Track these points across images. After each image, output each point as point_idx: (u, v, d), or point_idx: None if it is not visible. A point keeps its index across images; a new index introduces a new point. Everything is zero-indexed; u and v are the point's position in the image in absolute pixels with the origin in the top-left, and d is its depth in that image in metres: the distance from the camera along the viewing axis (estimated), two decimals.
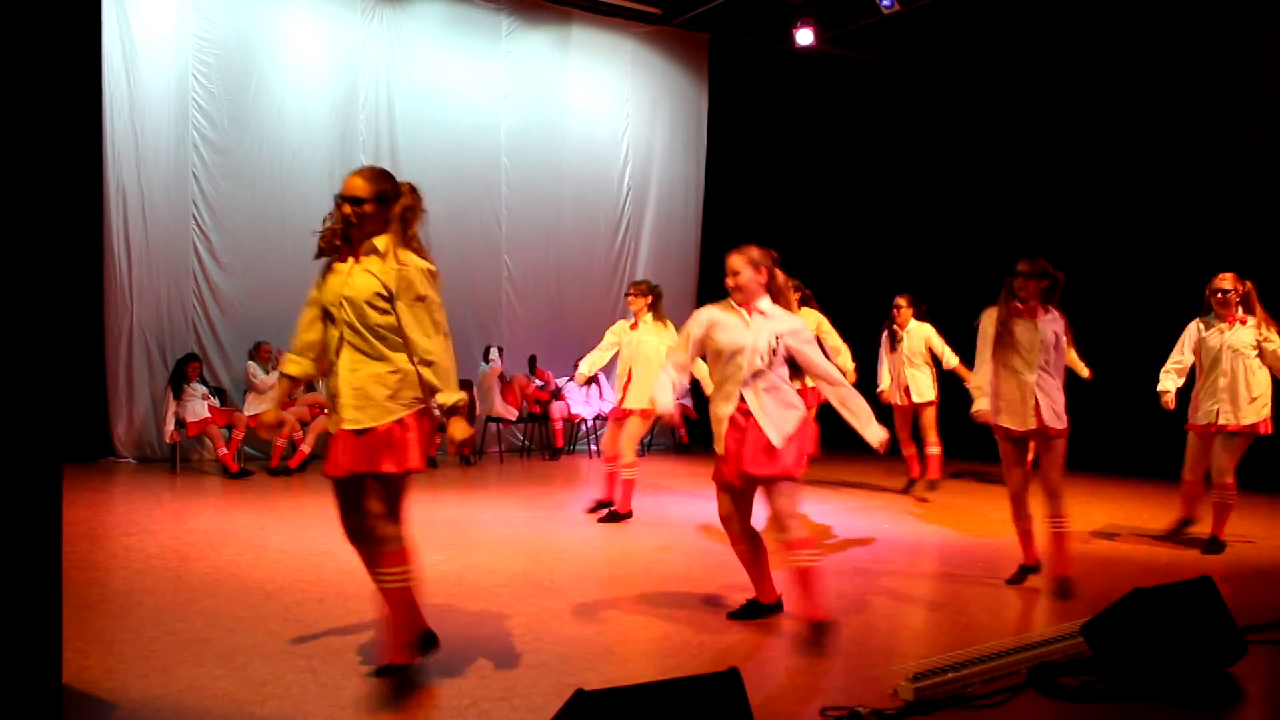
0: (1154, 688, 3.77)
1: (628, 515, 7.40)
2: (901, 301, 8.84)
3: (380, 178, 3.75)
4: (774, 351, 4.41)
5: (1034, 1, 11.44)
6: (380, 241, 3.68)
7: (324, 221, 3.79)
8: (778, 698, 3.74)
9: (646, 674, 3.94)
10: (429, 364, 3.65)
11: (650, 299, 7.65)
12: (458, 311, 11.55)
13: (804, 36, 11.96)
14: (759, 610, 4.78)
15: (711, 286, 13.58)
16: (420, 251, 3.74)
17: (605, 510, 7.45)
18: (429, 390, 3.69)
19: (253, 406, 9.75)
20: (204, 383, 9.68)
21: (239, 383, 10.23)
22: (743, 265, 4.47)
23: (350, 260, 3.71)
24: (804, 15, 11.90)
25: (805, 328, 4.62)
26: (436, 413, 3.81)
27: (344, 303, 3.65)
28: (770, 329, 4.44)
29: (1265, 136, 9.94)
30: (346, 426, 3.63)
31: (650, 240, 13.05)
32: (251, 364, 9.86)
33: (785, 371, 4.48)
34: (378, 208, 3.68)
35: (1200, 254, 10.06)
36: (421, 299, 3.65)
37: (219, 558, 5.92)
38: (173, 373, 9.63)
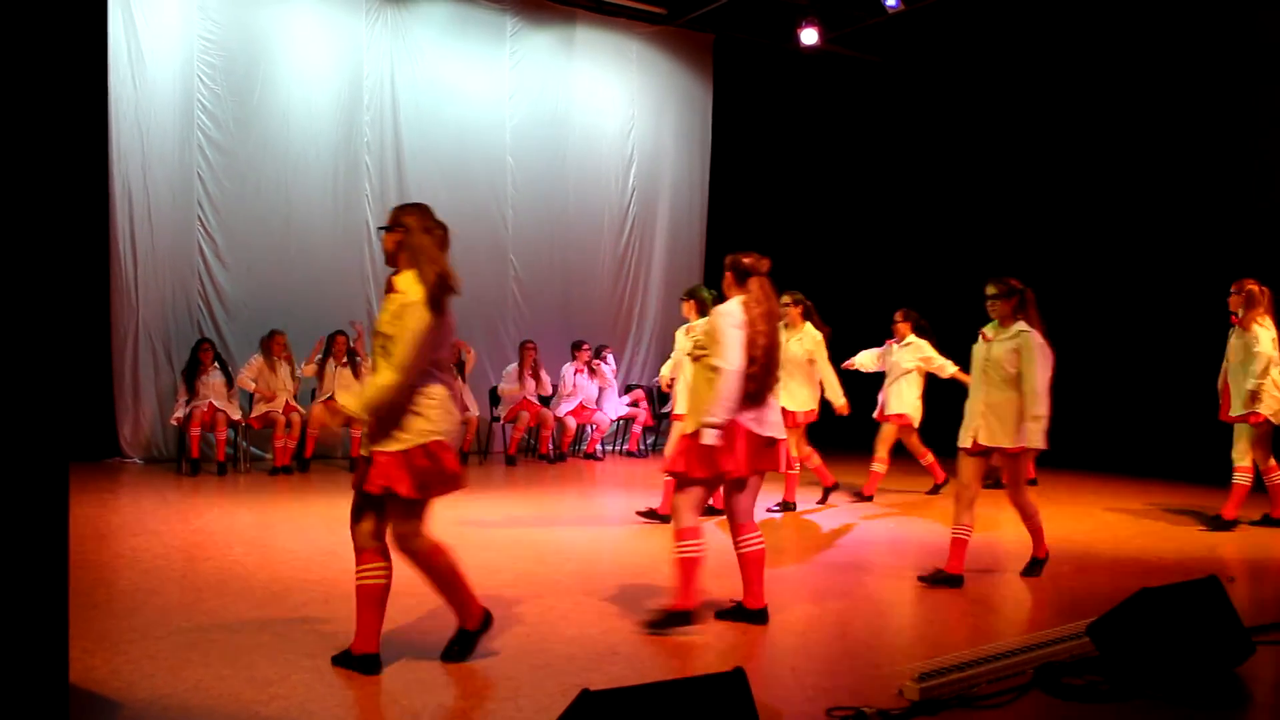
0: (1160, 688, 3.76)
1: (792, 506, 8.06)
2: (898, 317, 8.74)
3: (399, 210, 3.96)
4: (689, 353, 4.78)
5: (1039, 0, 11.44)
6: (400, 279, 3.84)
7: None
8: (783, 698, 3.73)
9: (652, 674, 3.94)
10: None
11: (801, 309, 7.82)
12: (464, 312, 11.54)
13: (809, 36, 11.94)
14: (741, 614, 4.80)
15: (716, 285, 13.58)
16: (428, 280, 3.78)
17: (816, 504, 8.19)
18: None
19: (259, 407, 9.76)
20: (223, 367, 9.64)
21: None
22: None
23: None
24: (808, 15, 11.89)
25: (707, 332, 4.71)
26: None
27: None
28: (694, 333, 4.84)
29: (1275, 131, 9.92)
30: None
31: (655, 240, 13.05)
32: (257, 358, 9.80)
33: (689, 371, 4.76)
34: (393, 234, 3.89)
35: (1206, 254, 10.06)
36: (394, 330, 3.77)
37: (225, 558, 5.93)
38: (187, 363, 9.63)
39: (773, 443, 4.62)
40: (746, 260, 4.65)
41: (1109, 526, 7.64)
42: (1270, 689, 4.06)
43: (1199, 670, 3.87)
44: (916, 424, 8.59)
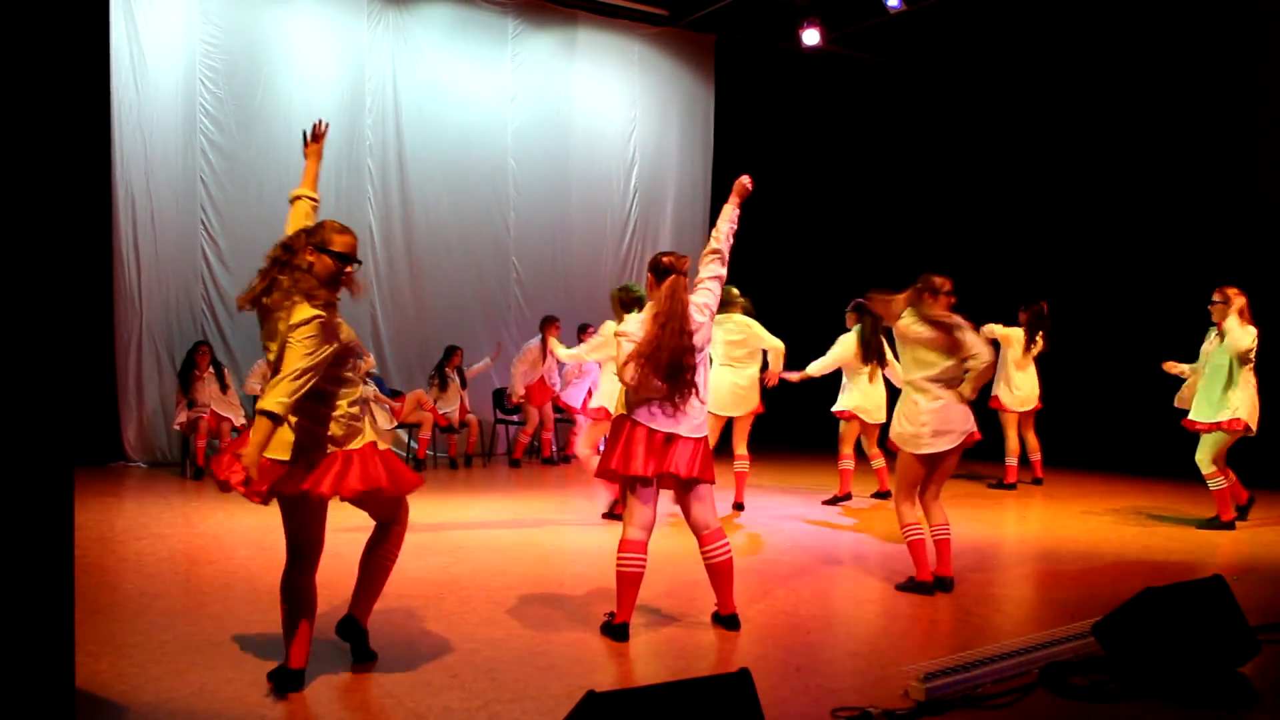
0: (1165, 687, 3.76)
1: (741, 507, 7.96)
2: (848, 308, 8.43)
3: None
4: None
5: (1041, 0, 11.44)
6: None
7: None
8: (789, 698, 3.73)
9: (657, 675, 3.95)
10: None
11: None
12: (466, 315, 11.69)
13: (810, 37, 11.95)
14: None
15: None
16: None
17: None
18: None
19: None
20: (218, 372, 9.65)
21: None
22: None
23: None
24: (810, 15, 11.90)
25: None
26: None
27: None
28: None
29: (1276, 135, 9.92)
30: None
31: (658, 242, 13.01)
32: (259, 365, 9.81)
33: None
34: None
35: (1207, 253, 10.06)
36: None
37: (229, 561, 5.93)
38: (182, 367, 9.65)
39: (672, 439, 4.47)
40: (666, 259, 4.65)
41: (1112, 526, 7.63)
42: (1275, 688, 4.05)
43: (1204, 670, 3.87)
44: (871, 422, 8.26)
